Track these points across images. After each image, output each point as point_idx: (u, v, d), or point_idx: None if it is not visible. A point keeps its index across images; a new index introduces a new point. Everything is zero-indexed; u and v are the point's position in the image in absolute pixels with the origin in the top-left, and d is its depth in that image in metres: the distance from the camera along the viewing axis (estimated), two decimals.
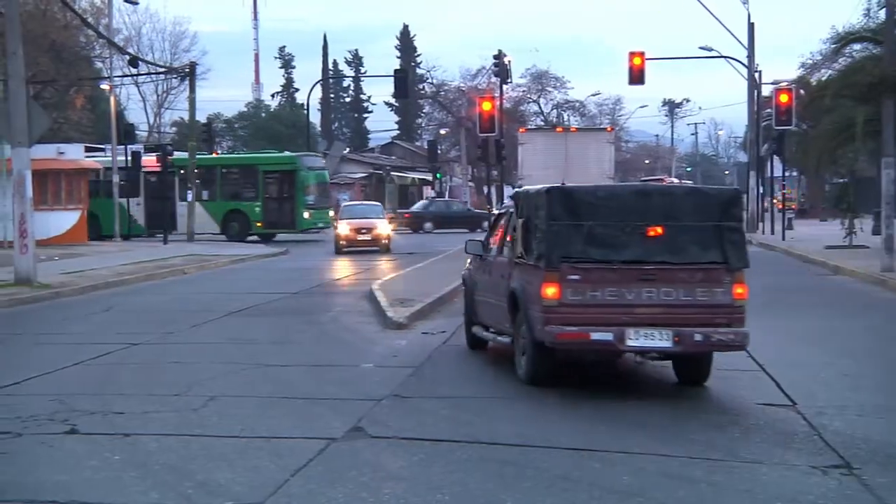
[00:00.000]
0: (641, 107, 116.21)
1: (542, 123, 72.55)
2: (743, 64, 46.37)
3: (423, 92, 79.64)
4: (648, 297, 9.41)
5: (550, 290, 9.44)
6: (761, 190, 47.38)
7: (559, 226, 9.66)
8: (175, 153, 42.24)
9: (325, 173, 45.23)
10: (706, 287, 9.43)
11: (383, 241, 32.86)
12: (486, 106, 32.66)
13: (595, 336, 9.35)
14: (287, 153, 46.36)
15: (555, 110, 79.06)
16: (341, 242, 32.69)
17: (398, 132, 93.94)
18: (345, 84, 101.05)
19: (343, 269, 26.66)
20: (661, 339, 9.32)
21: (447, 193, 71.74)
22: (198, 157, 42.92)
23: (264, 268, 26.90)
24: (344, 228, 32.96)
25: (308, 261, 29.87)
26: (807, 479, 6.77)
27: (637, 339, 9.33)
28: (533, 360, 9.91)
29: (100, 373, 10.93)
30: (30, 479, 6.81)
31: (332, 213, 42.41)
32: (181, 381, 10.17)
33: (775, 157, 45.73)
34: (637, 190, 10.50)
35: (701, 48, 48.87)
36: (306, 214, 41.13)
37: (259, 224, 41.56)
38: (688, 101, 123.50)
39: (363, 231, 32.69)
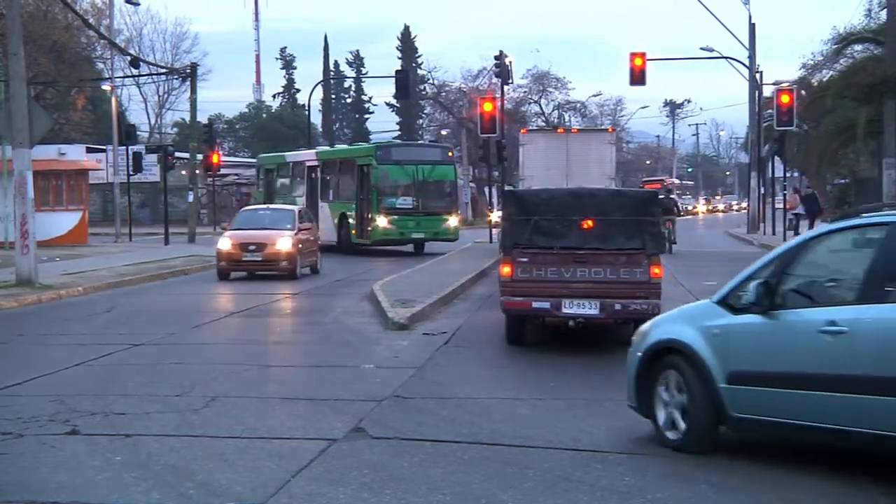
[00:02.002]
0: (642, 107, 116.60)
1: (544, 124, 72.48)
2: (744, 64, 46.32)
3: (424, 93, 79.53)
4: (581, 276, 11.86)
5: (505, 270, 12.09)
6: (762, 191, 47.31)
7: (512, 220, 12.39)
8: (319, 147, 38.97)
9: (437, 167, 32.40)
10: (628, 268, 11.80)
11: (283, 263, 22.65)
12: (488, 107, 32.65)
13: (535, 304, 11.89)
14: (369, 143, 38.10)
15: (556, 111, 79.07)
16: (222, 263, 22.92)
17: (399, 133, 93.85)
18: (346, 85, 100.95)
19: (343, 269, 26.61)
20: (589, 308, 11.81)
21: None
22: (319, 149, 39.70)
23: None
24: (225, 244, 22.97)
25: None
26: (808, 479, 6.77)
27: (571, 307, 11.83)
28: (507, 325, 12.69)
29: (101, 373, 10.94)
30: (32, 479, 6.81)
31: (453, 222, 32.44)
32: (183, 382, 10.18)
33: (776, 158, 45.66)
34: (572, 192, 12.95)
35: (702, 49, 48.86)
36: (382, 222, 30.81)
37: (354, 232, 32.09)
38: (689, 101, 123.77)
39: (251, 248, 22.63)
